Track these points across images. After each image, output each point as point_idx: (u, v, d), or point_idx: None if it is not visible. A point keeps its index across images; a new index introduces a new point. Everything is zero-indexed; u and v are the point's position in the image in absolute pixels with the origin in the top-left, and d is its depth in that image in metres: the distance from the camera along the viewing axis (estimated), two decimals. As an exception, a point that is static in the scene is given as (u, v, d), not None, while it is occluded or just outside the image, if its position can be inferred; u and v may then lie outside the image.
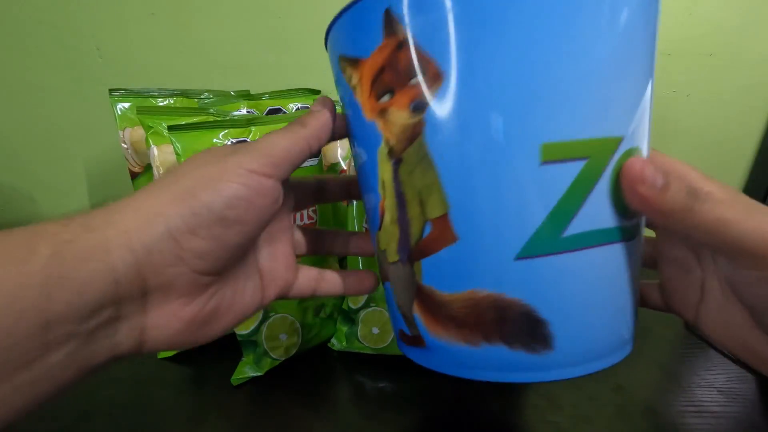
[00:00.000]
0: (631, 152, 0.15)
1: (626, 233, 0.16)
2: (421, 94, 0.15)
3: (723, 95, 0.58)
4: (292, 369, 0.35)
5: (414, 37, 0.15)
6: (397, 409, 0.30)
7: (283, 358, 0.35)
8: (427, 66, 0.15)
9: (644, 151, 0.16)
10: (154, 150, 0.34)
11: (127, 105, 0.40)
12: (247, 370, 0.33)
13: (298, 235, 0.24)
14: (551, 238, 0.15)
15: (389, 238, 0.18)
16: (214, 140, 0.32)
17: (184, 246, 0.15)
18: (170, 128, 0.31)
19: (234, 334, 0.33)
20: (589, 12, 0.14)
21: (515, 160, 0.14)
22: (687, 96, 0.58)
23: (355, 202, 0.36)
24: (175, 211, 0.15)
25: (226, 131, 0.32)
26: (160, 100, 0.41)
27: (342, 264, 0.42)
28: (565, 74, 0.14)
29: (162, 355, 0.37)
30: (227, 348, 0.36)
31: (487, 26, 0.14)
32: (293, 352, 0.35)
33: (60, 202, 0.63)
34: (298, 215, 0.35)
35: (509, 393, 0.31)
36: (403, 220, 0.17)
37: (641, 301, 0.21)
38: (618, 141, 0.15)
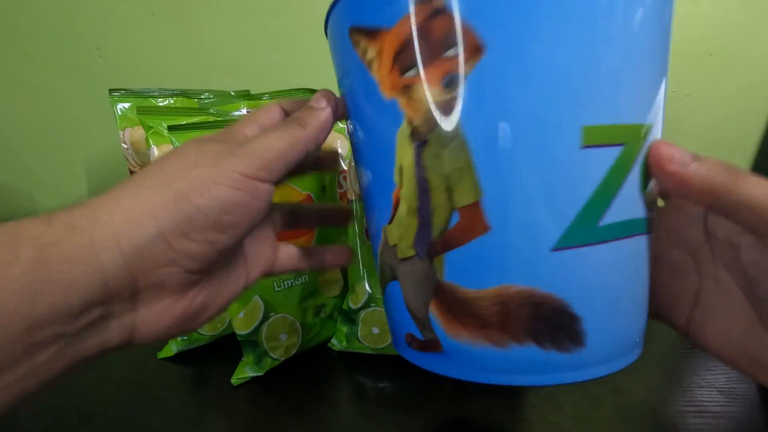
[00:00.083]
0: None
1: (650, 225, 0.16)
2: (456, 67, 0.14)
3: (723, 95, 0.58)
4: (292, 369, 0.35)
5: (453, 3, 0.13)
6: (397, 409, 0.30)
7: (284, 358, 0.35)
8: (467, 36, 0.13)
9: None
10: (154, 150, 0.34)
11: (127, 105, 0.40)
12: (247, 370, 0.33)
13: (275, 212, 0.24)
14: (588, 227, 0.14)
15: (404, 232, 0.17)
16: (214, 140, 0.32)
17: (177, 248, 0.15)
18: (170, 128, 0.31)
19: (234, 334, 0.33)
20: None
21: (557, 143, 0.14)
22: (687, 96, 0.58)
23: (355, 200, 0.36)
24: (168, 215, 0.15)
25: (226, 131, 0.32)
26: (160, 100, 0.41)
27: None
28: (611, 55, 0.14)
29: (162, 355, 0.37)
30: (227, 348, 0.36)
31: None
32: (293, 352, 0.35)
33: (60, 202, 0.62)
34: None
35: (509, 393, 0.31)
36: (424, 210, 0.16)
37: None
38: (649, 128, 0.15)
